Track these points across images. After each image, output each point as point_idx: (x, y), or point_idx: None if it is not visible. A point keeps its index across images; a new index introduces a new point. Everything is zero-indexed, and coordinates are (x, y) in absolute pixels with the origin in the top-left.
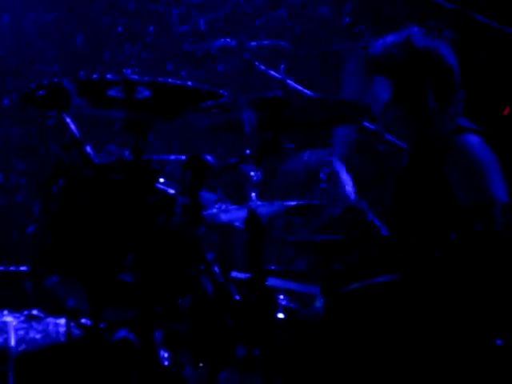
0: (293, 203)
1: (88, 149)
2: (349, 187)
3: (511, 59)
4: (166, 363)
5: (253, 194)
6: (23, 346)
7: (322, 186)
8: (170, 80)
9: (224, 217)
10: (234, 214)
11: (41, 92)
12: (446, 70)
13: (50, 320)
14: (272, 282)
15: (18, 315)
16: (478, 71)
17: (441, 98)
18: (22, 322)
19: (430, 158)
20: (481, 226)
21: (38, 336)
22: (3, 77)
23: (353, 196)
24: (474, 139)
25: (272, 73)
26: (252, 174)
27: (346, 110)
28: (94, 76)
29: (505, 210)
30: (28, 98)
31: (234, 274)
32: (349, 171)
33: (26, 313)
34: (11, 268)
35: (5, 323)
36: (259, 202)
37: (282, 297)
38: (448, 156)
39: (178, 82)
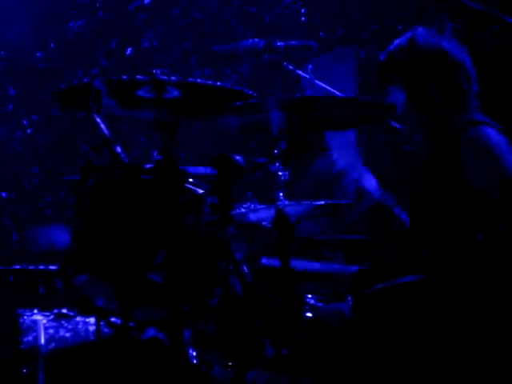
0: (320, 203)
1: (118, 149)
2: (373, 185)
3: None
4: (195, 362)
5: (280, 194)
6: (53, 345)
7: (349, 189)
8: (199, 80)
9: (252, 216)
10: (262, 214)
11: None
12: (452, 65)
13: (80, 319)
14: (299, 264)
15: (47, 314)
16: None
17: (450, 94)
18: (52, 320)
19: (448, 154)
20: (504, 226)
21: (67, 334)
22: (34, 77)
23: (378, 193)
24: (488, 130)
25: (300, 73)
26: (280, 173)
27: (372, 110)
28: (124, 76)
29: None
30: (59, 98)
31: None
32: (374, 172)
33: (55, 311)
34: (41, 267)
35: (35, 322)
36: (287, 202)
37: (309, 296)
38: (463, 148)
39: (208, 82)
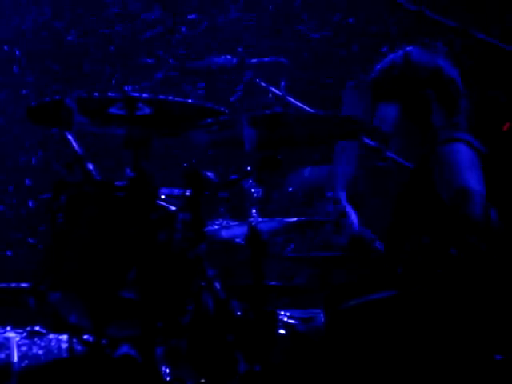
0: (293, 220)
1: (89, 166)
2: (353, 217)
3: (509, 75)
4: (168, 379)
5: (253, 211)
6: (26, 362)
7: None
8: (170, 97)
9: (225, 233)
10: (235, 231)
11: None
12: (447, 82)
13: (53, 336)
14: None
15: (20, 331)
16: (477, 85)
17: (446, 110)
18: (25, 337)
19: (423, 168)
20: (474, 237)
21: (40, 352)
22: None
23: (357, 225)
24: (460, 147)
25: (273, 90)
26: (252, 190)
27: (345, 126)
28: (95, 94)
29: (481, 199)
30: (30, 115)
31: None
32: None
33: (28, 329)
34: (13, 285)
35: (7, 339)
36: (260, 219)
37: (283, 313)
38: (432, 162)
39: (179, 99)
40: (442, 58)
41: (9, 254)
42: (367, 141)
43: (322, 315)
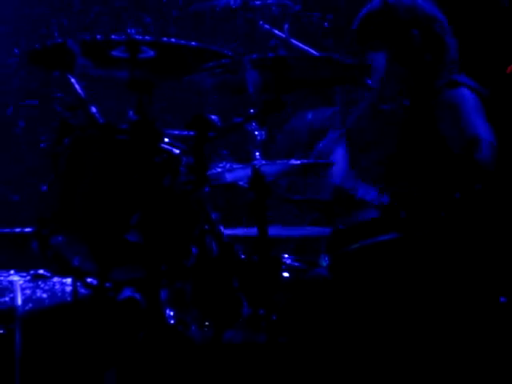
0: (297, 162)
1: (93, 109)
2: (338, 168)
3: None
4: (172, 322)
5: (257, 153)
6: (30, 305)
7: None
8: (173, 40)
9: (228, 176)
10: (239, 174)
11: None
12: (429, 18)
13: (57, 279)
14: (276, 231)
15: (24, 275)
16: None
17: (433, 46)
18: (29, 281)
19: (425, 112)
20: (480, 184)
21: (44, 295)
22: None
23: (339, 178)
24: (463, 91)
25: (276, 32)
26: (256, 133)
27: (347, 69)
28: (98, 36)
29: (490, 148)
30: (32, 58)
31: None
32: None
33: (32, 272)
34: (16, 229)
35: (11, 282)
36: (263, 161)
37: (286, 255)
38: (436, 108)
39: (182, 42)
40: None
41: (15, 198)
42: (371, 83)
43: (325, 258)
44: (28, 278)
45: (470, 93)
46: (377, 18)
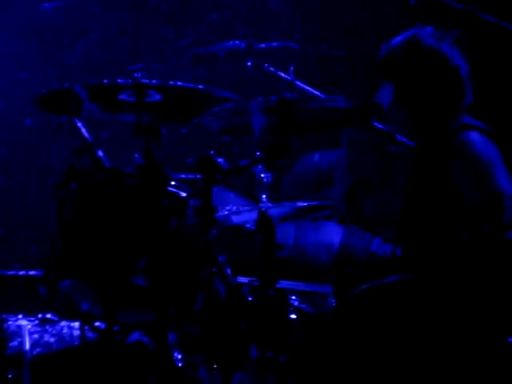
0: (303, 204)
1: (100, 153)
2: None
3: None
4: (180, 365)
5: (263, 196)
6: (38, 350)
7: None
8: (180, 83)
9: (235, 219)
10: (245, 216)
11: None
12: (450, 69)
13: (64, 323)
14: (283, 284)
15: (32, 319)
16: (486, 71)
17: (446, 96)
18: (37, 325)
19: (436, 156)
20: (489, 225)
21: (52, 339)
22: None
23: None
24: (475, 136)
25: (281, 74)
26: (262, 175)
27: (352, 112)
28: (105, 80)
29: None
30: (39, 102)
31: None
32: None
33: (40, 316)
34: (24, 272)
35: (19, 327)
36: (270, 204)
37: (293, 297)
38: (451, 154)
39: (189, 85)
40: (448, 46)
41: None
42: (378, 125)
43: (332, 300)
44: (36, 322)
45: (481, 137)
46: (398, 51)
